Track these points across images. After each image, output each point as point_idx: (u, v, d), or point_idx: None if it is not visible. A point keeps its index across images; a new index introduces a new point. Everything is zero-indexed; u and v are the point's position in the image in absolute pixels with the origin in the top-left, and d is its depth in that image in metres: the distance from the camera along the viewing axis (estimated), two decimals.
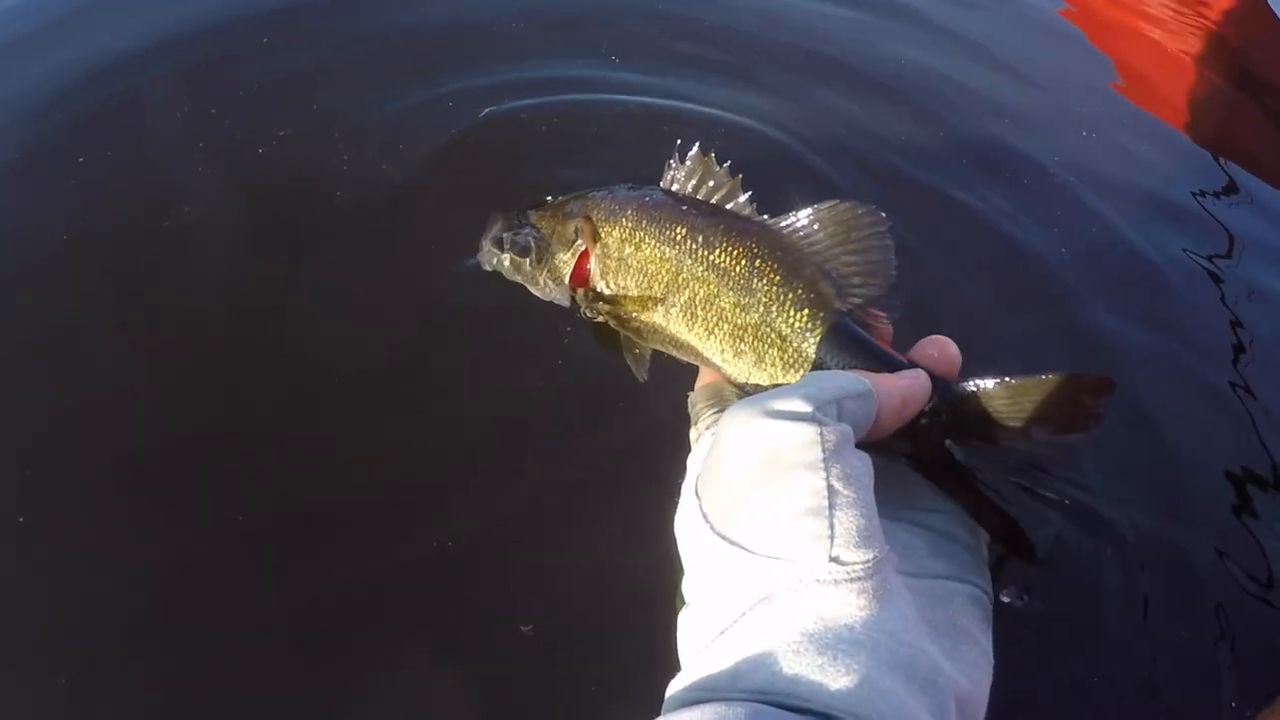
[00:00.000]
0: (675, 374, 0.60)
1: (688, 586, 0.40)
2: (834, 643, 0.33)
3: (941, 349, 0.46)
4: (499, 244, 0.62)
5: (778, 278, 0.53)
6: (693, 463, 0.46)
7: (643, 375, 0.57)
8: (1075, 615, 0.65)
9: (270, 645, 0.60)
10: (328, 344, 0.74)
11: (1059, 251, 0.91)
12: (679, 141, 0.57)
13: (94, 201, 0.84)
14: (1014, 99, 1.09)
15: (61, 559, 0.63)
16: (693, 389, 0.56)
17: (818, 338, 0.51)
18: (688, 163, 0.57)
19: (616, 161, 0.88)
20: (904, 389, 0.43)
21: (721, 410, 0.49)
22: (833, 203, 0.53)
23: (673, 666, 0.39)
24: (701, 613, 0.38)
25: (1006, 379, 0.44)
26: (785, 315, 0.52)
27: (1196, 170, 1.09)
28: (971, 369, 0.46)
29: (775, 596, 0.35)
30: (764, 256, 0.54)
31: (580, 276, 0.59)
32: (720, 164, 0.57)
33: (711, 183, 0.57)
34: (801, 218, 0.54)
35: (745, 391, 0.52)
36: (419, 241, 0.80)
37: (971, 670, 0.37)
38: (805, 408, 0.38)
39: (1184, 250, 0.97)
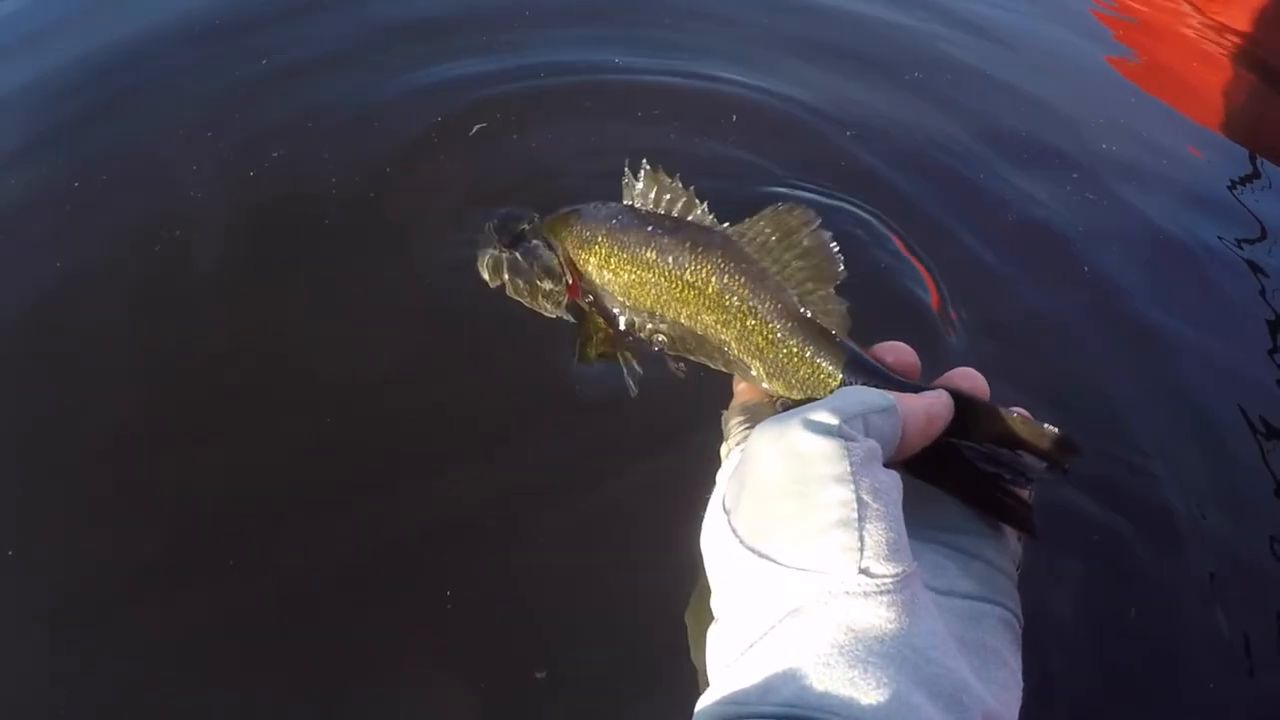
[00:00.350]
0: (687, 392, 0.61)
1: (716, 601, 0.40)
2: (864, 656, 0.33)
3: (972, 381, 0.46)
4: (497, 269, 0.65)
5: (746, 292, 0.55)
6: (721, 478, 0.46)
7: (634, 388, 0.58)
8: (1136, 603, 0.65)
9: (270, 683, 0.58)
10: (329, 360, 0.73)
11: (1095, 240, 0.92)
12: (627, 161, 0.59)
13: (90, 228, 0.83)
14: (1043, 93, 1.09)
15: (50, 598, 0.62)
16: (726, 406, 0.57)
17: (794, 346, 0.53)
18: (640, 181, 0.59)
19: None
20: (927, 407, 0.44)
21: (751, 426, 0.49)
22: (770, 209, 0.55)
23: (684, 684, 0.39)
24: (730, 627, 0.38)
25: (1017, 411, 0.45)
26: (761, 328, 0.54)
27: (1228, 163, 1.08)
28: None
29: (805, 609, 0.35)
30: (732, 272, 0.56)
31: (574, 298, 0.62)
32: (671, 176, 0.59)
33: (668, 196, 0.59)
34: (752, 228, 0.56)
35: (777, 406, 0.53)
36: (420, 247, 0.80)
37: (1001, 691, 0.37)
38: (832, 421, 0.38)
39: (1219, 238, 0.98)
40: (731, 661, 0.36)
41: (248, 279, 0.77)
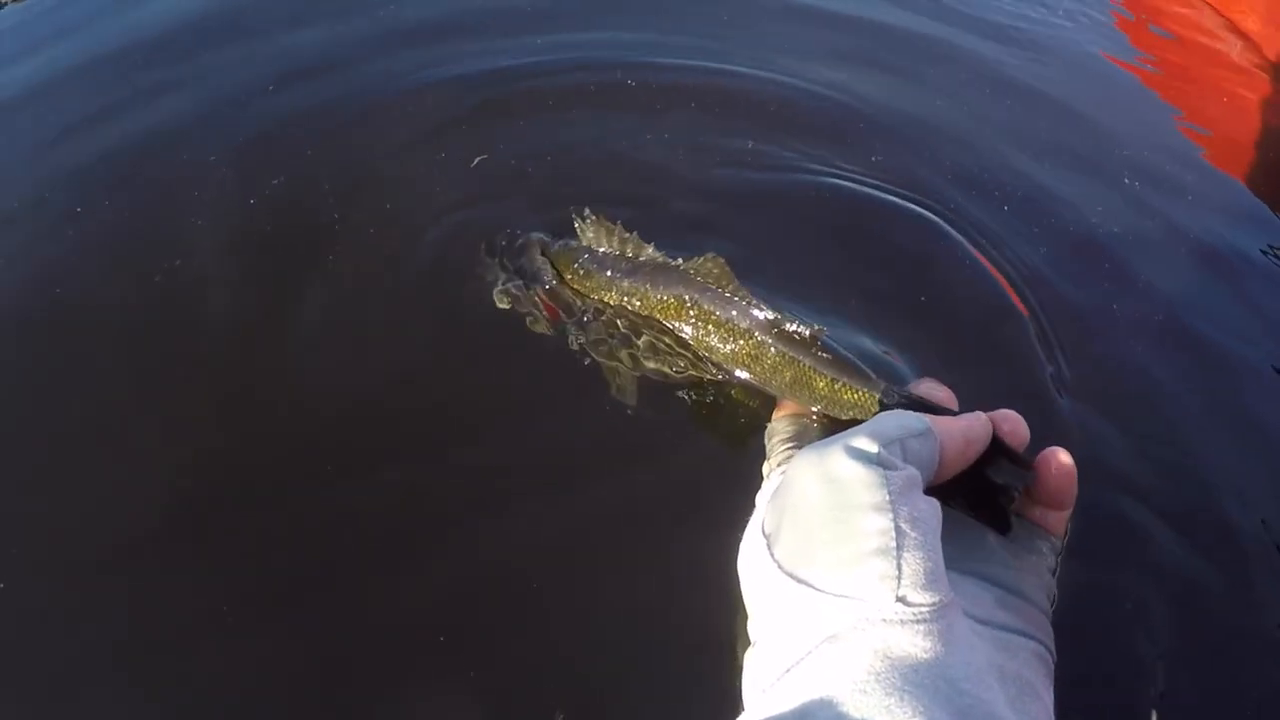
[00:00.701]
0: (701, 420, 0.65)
1: (753, 625, 0.41)
2: (901, 684, 0.33)
3: (1012, 425, 0.47)
4: (504, 297, 0.74)
5: (717, 314, 0.64)
6: (760, 500, 0.47)
7: (631, 400, 0.66)
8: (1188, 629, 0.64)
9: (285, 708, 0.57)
10: (339, 383, 0.72)
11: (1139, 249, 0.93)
12: (571, 209, 0.71)
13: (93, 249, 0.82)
14: (1067, 139, 1.09)
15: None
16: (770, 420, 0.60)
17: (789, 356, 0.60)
18: (589, 227, 0.70)
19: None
20: (964, 429, 0.45)
21: (795, 446, 0.50)
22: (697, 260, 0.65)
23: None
24: (767, 651, 0.38)
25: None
26: (740, 342, 0.63)
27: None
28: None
29: (842, 635, 0.35)
30: (695, 302, 0.65)
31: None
32: (613, 221, 0.69)
33: (617, 236, 0.69)
34: (700, 267, 0.65)
35: (818, 419, 0.57)
36: (429, 267, 0.80)
37: None
38: (872, 448, 0.39)
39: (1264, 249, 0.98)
40: (768, 686, 0.37)
41: (248, 309, 0.77)
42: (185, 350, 0.74)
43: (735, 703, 0.41)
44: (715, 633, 0.52)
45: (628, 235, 0.69)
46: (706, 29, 1.15)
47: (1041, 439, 0.50)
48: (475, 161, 0.90)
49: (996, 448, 0.47)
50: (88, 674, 0.57)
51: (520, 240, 0.77)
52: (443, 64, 1.04)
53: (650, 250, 0.68)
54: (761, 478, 0.52)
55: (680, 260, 0.66)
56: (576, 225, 0.71)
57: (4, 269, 0.80)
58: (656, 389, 0.68)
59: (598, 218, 0.70)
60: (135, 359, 0.74)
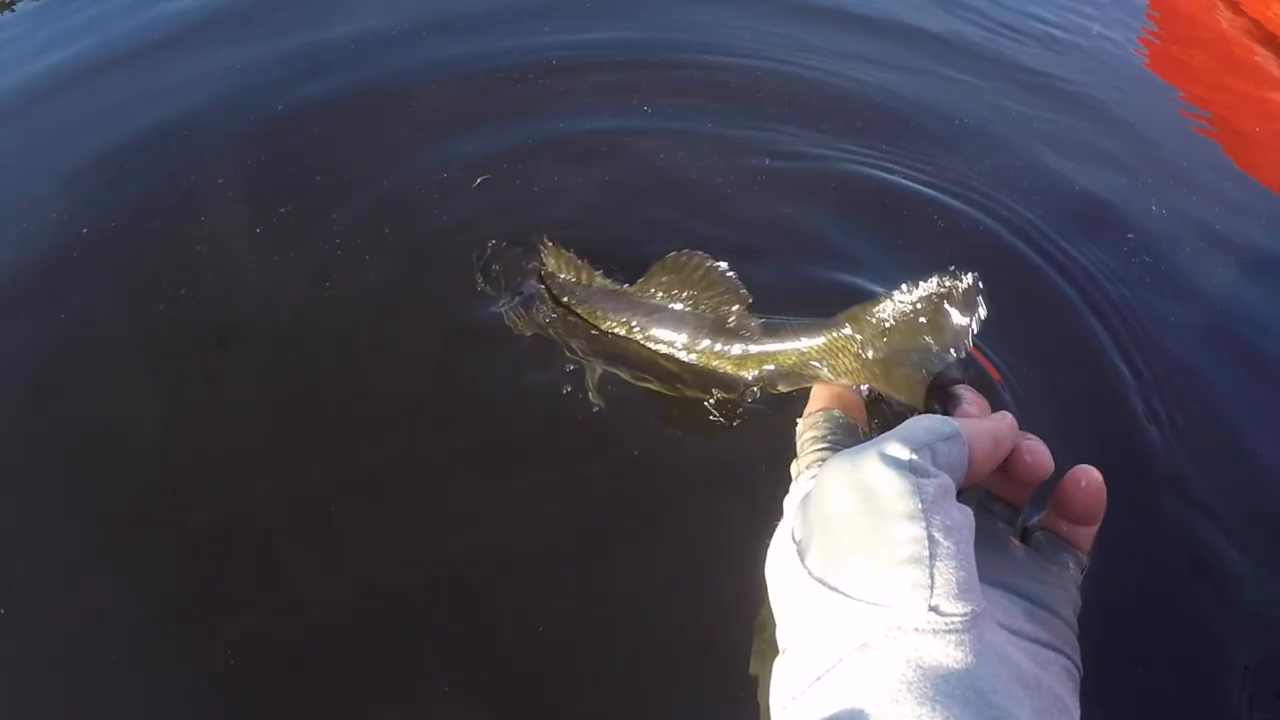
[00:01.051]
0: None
1: (782, 633, 0.41)
2: (933, 694, 0.33)
3: (1035, 456, 0.47)
4: (515, 320, 0.77)
5: (665, 341, 0.70)
6: (789, 505, 0.47)
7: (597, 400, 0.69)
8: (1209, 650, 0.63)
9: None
10: (341, 393, 0.72)
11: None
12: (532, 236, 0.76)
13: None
14: (1113, 151, 1.09)
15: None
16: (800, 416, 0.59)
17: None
18: (549, 257, 0.75)
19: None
20: (992, 430, 0.45)
21: (826, 448, 0.50)
22: (659, 262, 0.68)
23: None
24: (797, 658, 0.38)
25: None
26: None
27: None
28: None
29: (874, 644, 0.35)
30: (642, 329, 0.70)
31: None
32: (567, 249, 0.74)
33: (575, 264, 0.73)
34: (652, 282, 0.69)
35: (843, 411, 0.58)
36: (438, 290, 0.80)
37: None
38: (904, 455, 0.39)
39: None
40: (798, 694, 0.37)
41: (256, 342, 0.77)
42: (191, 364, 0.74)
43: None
44: (721, 639, 0.53)
45: (579, 262, 0.73)
46: (731, 39, 1.16)
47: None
48: (478, 181, 0.91)
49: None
50: None
51: (527, 263, 0.79)
52: (448, 65, 1.06)
53: (599, 279, 0.72)
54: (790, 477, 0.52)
55: (628, 285, 0.71)
56: (541, 253, 0.76)
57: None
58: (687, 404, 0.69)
59: (553, 245, 0.74)
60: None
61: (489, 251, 0.81)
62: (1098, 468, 0.47)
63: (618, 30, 1.17)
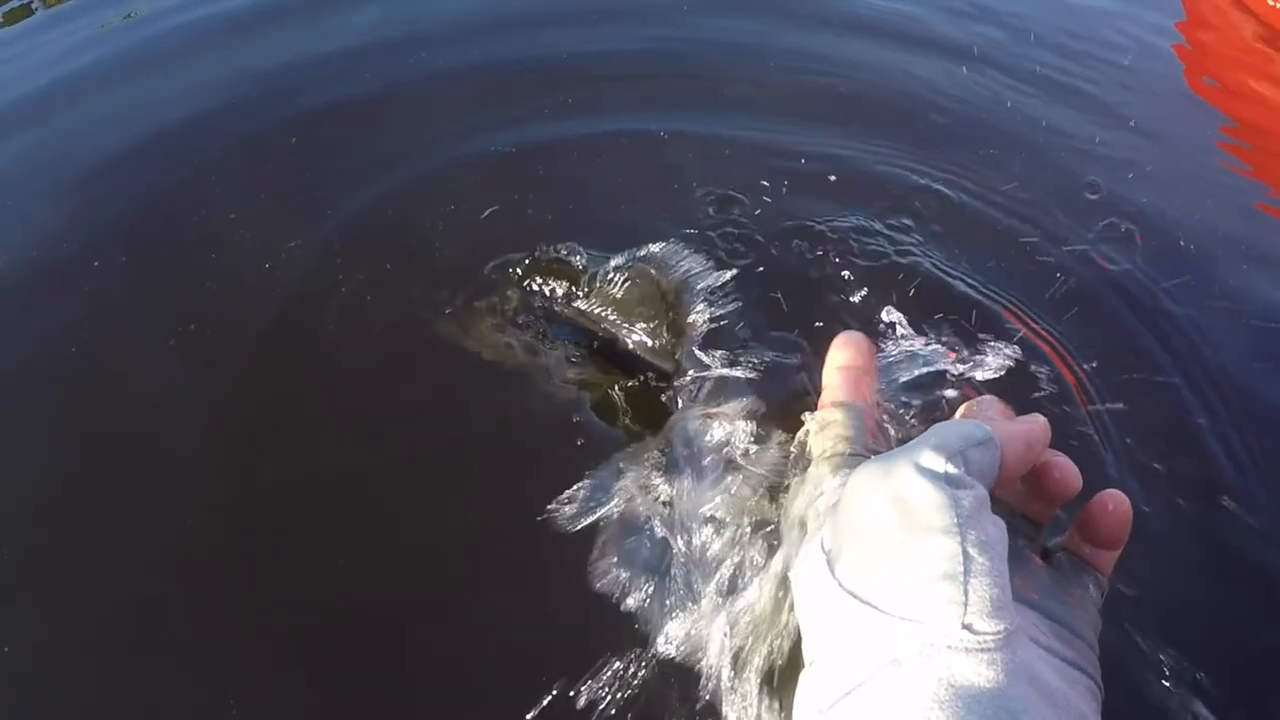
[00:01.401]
0: None
1: (808, 645, 0.40)
2: (963, 714, 0.33)
3: (1063, 472, 0.46)
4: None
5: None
6: (806, 505, 0.46)
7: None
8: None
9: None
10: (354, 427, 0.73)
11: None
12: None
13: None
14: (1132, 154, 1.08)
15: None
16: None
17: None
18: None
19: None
20: (1025, 433, 0.45)
21: (848, 452, 0.47)
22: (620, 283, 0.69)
23: None
24: (825, 672, 0.38)
25: None
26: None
27: None
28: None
29: (905, 660, 0.35)
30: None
31: None
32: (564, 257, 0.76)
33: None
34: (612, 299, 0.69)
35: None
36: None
37: None
38: (939, 466, 0.38)
39: None
40: (825, 708, 0.36)
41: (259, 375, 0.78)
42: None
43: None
44: None
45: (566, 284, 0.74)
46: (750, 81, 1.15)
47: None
48: (485, 214, 0.91)
49: None
50: None
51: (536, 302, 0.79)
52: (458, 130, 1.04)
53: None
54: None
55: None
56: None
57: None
58: None
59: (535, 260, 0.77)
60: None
61: (498, 267, 0.82)
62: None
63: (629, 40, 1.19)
